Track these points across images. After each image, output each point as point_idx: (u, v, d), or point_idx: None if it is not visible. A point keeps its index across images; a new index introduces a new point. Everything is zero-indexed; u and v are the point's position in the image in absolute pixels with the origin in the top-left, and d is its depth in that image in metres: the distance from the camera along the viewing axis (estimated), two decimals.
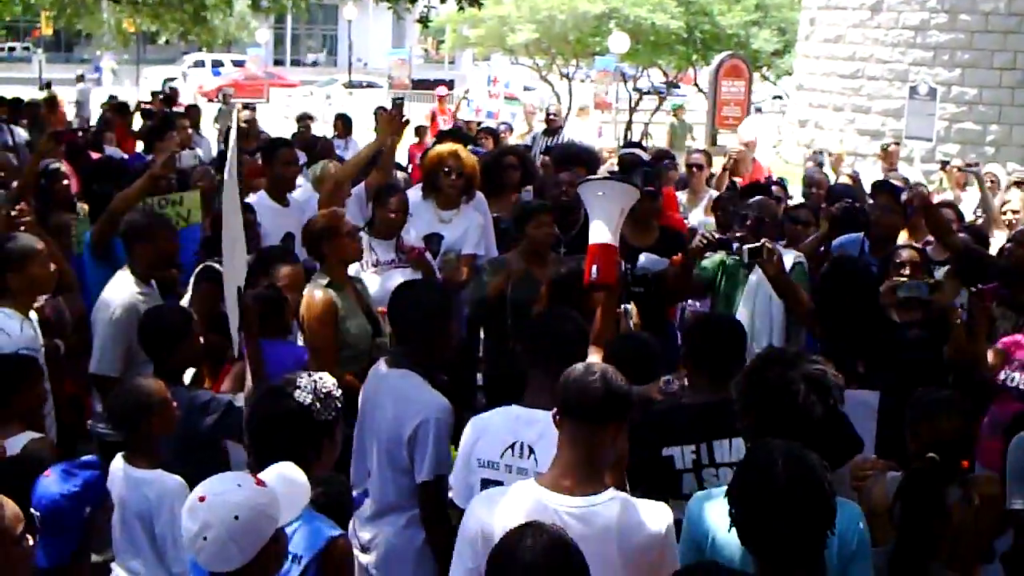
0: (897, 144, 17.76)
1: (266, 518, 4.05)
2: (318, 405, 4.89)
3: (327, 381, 5.05)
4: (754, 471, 4.05)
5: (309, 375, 5.04)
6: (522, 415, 5.47)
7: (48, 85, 25.54)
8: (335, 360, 7.36)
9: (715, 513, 4.53)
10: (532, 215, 8.52)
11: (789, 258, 8.41)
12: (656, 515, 4.70)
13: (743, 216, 8.82)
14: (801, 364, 4.89)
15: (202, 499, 4.03)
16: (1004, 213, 11.64)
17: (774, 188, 11.89)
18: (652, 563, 4.66)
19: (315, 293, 7.63)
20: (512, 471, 5.35)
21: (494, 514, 4.70)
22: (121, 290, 7.68)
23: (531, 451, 5.33)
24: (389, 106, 10.62)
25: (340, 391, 5.10)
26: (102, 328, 7.57)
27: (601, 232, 6.53)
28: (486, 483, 5.39)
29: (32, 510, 4.63)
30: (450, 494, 5.65)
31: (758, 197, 9.47)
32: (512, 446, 5.39)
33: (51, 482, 4.69)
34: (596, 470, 4.70)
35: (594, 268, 6.46)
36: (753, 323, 8.22)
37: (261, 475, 4.28)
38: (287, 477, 4.36)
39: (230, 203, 6.26)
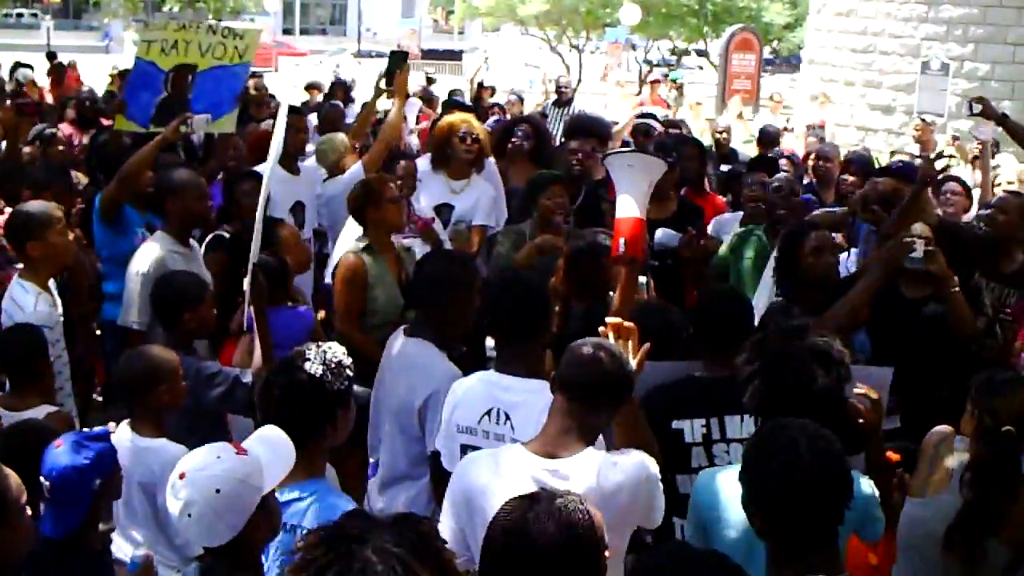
0: (930, 124, 17.55)
1: (249, 488, 3.97)
2: (330, 376, 4.83)
3: (336, 351, 4.99)
4: (774, 450, 3.95)
5: (318, 346, 4.99)
6: (498, 381, 5.49)
7: (52, 55, 25.35)
8: (355, 324, 7.36)
9: (725, 490, 4.50)
10: (545, 186, 8.45)
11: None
12: (637, 465, 4.65)
13: (776, 188, 8.74)
14: (806, 337, 4.85)
15: (182, 476, 3.97)
16: (997, 184, 11.45)
17: (782, 162, 11.79)
18: (638, 513, 4.66)
19: (347, 256, 7.61)
20: (489, 436, 5.37)
21: (479, 476, 4.72)
22: (155, 247, 7.71)
23: (507, 417, 5.34)
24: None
25: (350, 359, 5.05)
26: (132, 282, 7.60)
27: (629, 205, 6.48)
28: (465, 448, 5.43)
29: (42, 479, 4.61)
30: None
31: (782, 174, 9.37)
32: (489, 412, 5.40)
33: (61, 452, 4.64)
34: (583, 440, 4.66)
35: (622, 241, 6.41)
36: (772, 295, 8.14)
37: (243, 442, 4.22)
38: (270, 440, 4.28)
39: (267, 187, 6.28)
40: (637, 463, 4.66)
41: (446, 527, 4.83)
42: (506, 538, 3.73)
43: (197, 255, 8.00)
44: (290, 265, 7.48)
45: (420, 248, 8.44)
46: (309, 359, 4.86)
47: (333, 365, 4.88)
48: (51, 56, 25.20)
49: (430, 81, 24.01)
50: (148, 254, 7.64)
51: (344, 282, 7.54)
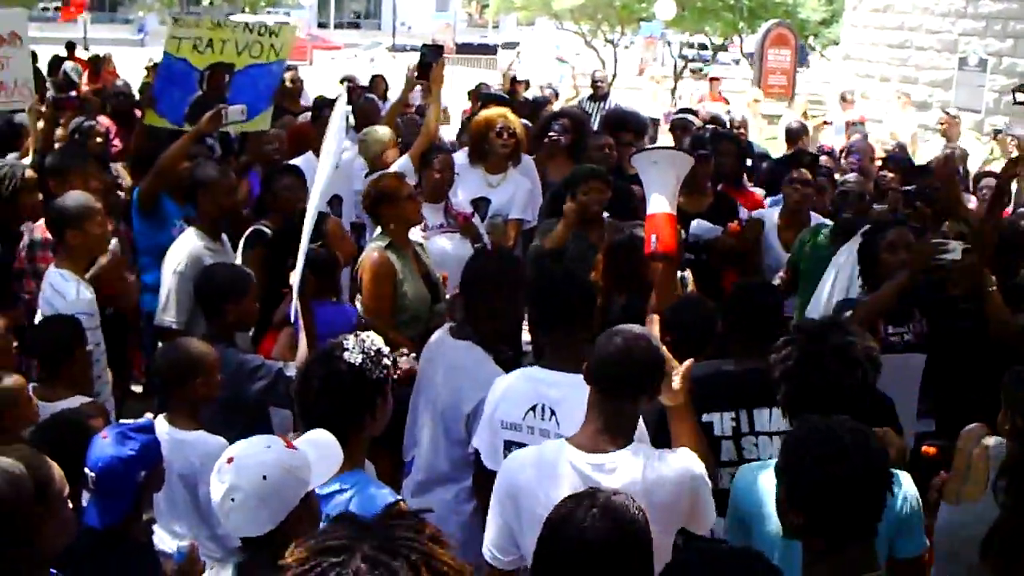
0: (955, 118, 17.50)
1: (296, 480, 3.98)
2: (370, 364, 4.83)
3: (375, 339, 5.00)
4: (814, 443, 3.93)
5: (356, 335, 4.99)
6: (544, 377, 5.48)
7: (72, 47, 25.32)
8: (390, 322, 7.34)
9: (765, 486, 4.48)
10: (585, 180, 8.42)
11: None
12: (683, 463, 4.67)
13: (844, 193, 8.68)
14: (833, 336, 4.84)
15: (230, 460, 3.99)
16: None
17: (823, 159, 11.75)
18: (683, 512, 4.65)
19: (372, 254, 7.60)
20: (534, 432, 5.37)
21: (524, 474, 4.74)
22: (187, 244, 7.70)
23: (552, 413, 5.34)
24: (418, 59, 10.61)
25: (388, 350, 5.04)
26: (167, 280, 7.58)
27: (659, 201, 6.48)
28: (509, 444, 5.44)
29: (87, 470, 4.62)
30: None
31: (854, 174, 9.31)
32: (534, 408, 5.40)
33: (107, 444, 4.66)
34: (625, 432, 4.69)
35: (653, 238, 6.41)
36: (831, 302, 8.09)
37: (293, 440, 4.23)
38: (319, 441, 4.29)
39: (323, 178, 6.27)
40: (683, 461, 4.67)
41: (493, 527, 4.86)
42: (560, 537, 3.76)
43: (228, 250, 8.02)
44: (340, 259, 7.48)
45: (458, 243, 8.44)
46: (348, 349, 4.86)
47: (372, 353, 4.88)
48: (70, 47, 25.17)
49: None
50: (181, 251, 7.65)
51: (374, 279, 7.51)
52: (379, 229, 7.87)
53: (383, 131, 10.34)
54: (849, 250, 8.08)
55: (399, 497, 4.85)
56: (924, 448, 6.20)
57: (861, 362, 4.74)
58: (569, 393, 5.17)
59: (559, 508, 3.85)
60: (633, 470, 4.55)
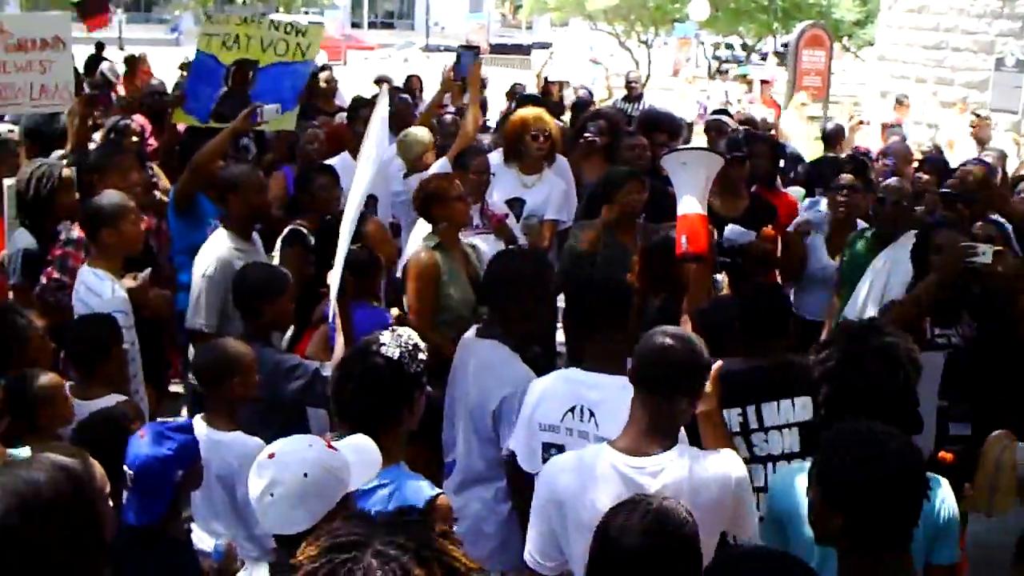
0: (985, 119, 17.42)
1: (335, 480, 3.99)
2: (407, 358, 4.85)
3: (411, 334, 5.02)
4: (851, 445, 3.92)
5: (392, 330, 5.01)
6: (583, 379, 5.46)
7: (101, 47, 25.33)
8: (430, 322, 7.35)
9: (802, 489, 4.46)
10: (623, 182, 8.40)
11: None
12: (726, 465, 4.65)
13: (880, 199, 8.63)
14: (874, 337, 4.82)
15: (271, 456, 4.00)
16: None
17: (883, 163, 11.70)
18: (727, 515, 4.62)
19: (420, 253, 7.61)
20: (573, 434, 5.35)
21: (567, 480, 4.70)
22: (217, 246, 7.67)
23: (591, 414, 5.32)
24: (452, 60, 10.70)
25: (424, 345, 5.06)
26: (197, 284, 7.56)
27: (689, 202, 6.47)
28: (547, 446, 5.44)
29: (125, 468, 4.65)
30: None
31: (892, 179, 9.25)
32: (572, 409, 5.38)
33: (145, 443, 4.69)
34: (668, 434, 4.66)
35: (684, 239, 6.39)
36: (866, 305, 8.06)
37: (334, 443, 4.23)
38: (359, 445, 4.30)
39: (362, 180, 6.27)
40: (726, 463, 4.65)
41: (535, 533, 4.85)
42: (612, 545, 3.77)
43: (259, 250, 8.01)
44: (380, 261, 7.48)
45: (492, 244, 8.44)
46: (385, 344, 4.88)
47: (410, 347, 4.90)
48: (99, 47, 25.21)
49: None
50: (211, 254, 7.62)
51: (418, 280, 7.52)
52: (418, 229, 7.88)
53: (423, 132, 10.35)
54: (886, 256, 8.06)
55: (439, 490, 4.85)
56: (941, 454, 6.19)
57: (903, 364, 4.72)
58: (608, 395, 5.18)
59: (611, 515, 3.86)
60: (678, 472, 4.53)
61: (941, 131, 20.57)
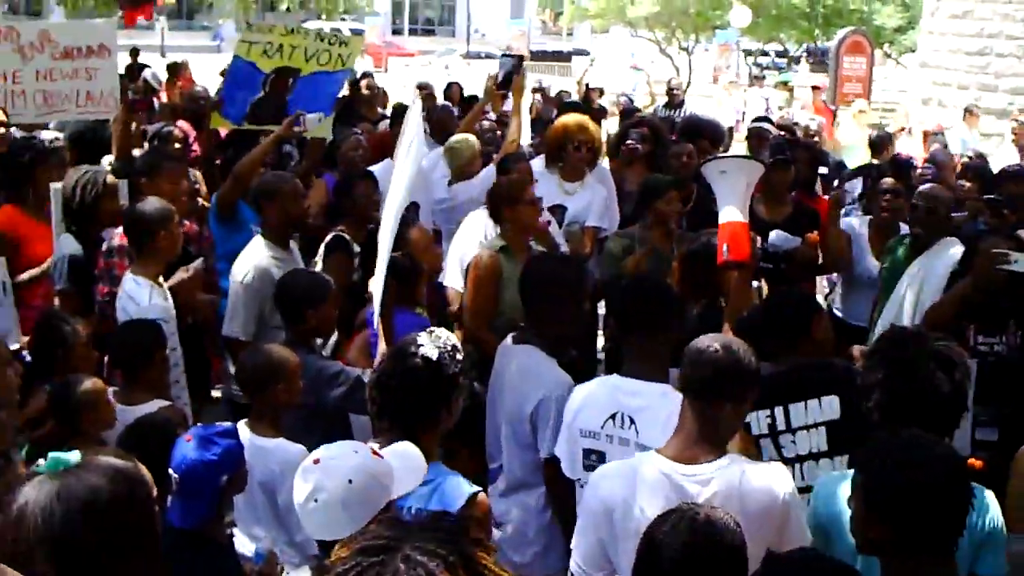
0: None
1: (380, 487, 4.01)
2: (446, 358, 4.87)
3: (448, 335, 5.06)
4: (894, 451, 3.92)
5: (430, 332, 5.04)
6: (623, 385, 5.47)
7: (136, 52, 25.41)
8: (484, 323, 7.39)
9: (845, 497, 4.45)
10: (662, 190, 8.40)
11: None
12: (777, 479, 4.63)
13: (915, 205, 8.61)
14: (927, 342, 4.81)
15: (317, 461, 4.02)
16: None
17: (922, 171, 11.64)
18: (776, 528, 4.58)
19: (483, 254, 7.64)
20: (613, 441, 5.37)
21: (617, 488, 4.70)
22: (254, 255, 7.67)
23: (632, 421, 5.33)
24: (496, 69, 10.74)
25: (461, 345, 5.08)
26: (235, 291, 7.58)
27: (730, 210, 6.46)
28: (588, 453, 5.46)
29: (171, 472, 4.68)
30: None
31: (929, 185, 9.22)
32: (613, 416, 5.39)
33: (190, 447, 4.71)
34: (716, 442, 4.66)
35: (725, 247, 6.39)
36: (901, 309, 8.03)
37: (378, 450, 4.25)
38: (404, 452, 4.32)
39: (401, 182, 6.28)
40: (776, 478, 4.64)
41: (582, 543, 4.85)
42: (658, 554, 3.78)
43: (296, 258, 8.00)
44: (423, 268, 7.49)
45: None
46: (422, 344, 4.90)
47: (448, 348, 4.92)
48: (134, 53, 25.32)
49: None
50: (248, 262, 7.63)
51: (477, 278, 7.58)
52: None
53: (472, 140, 10.37)
54: (920, 263, 8.04)
55: (478, 488, 4.86)
56: (970, 460, 6.16)
57: (959, 368, 4.71)
58: (650, 402, 5.20)
59: (657, 524, 3.87)
60: (728, 481, 4.53)
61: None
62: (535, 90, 21.00)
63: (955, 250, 7.97)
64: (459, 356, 4.97)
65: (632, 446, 5.17)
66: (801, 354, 5.75)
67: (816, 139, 14.90)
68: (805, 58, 47.40)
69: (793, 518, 4.61)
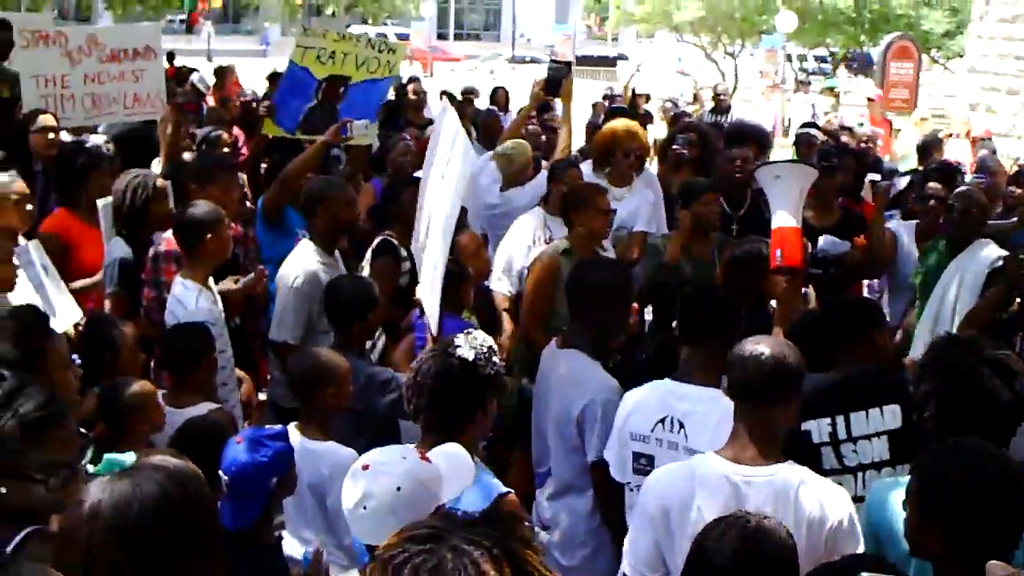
0: None
1: (428, 493, 4.01)
2: (482, 359, 4.89)
3: (484, 337, 5.07)
4: (952, 457, 3.91)
5: (467, 333, 5.06)
6: (674, 389, 5.49)
7: (172, 56, 25.49)
8: (539, 324, 7.41)
9: (898, 504, 4.43)
10: (699, 193, 8.40)
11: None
12: (837, 498, 4.62)
13: (949, 207, 8.56)
14: (983, 349, 4.79)
15: (366, 467, 4.02)
16: None
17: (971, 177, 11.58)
18: (828, 537, 4.54)
19: (545, 255, 7.68)
20: (663, 445, 5.40)
21: (676, 489, 4.71)
22: (303, 259, 7.71)
23: (681, 425, 5.36)
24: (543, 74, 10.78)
25: (497, 347, 5.11)
26: (283, 295, 7.61)
27: (783, 215, 6.45)
28: (637, 456, 5.49)
29: (221, 473, 4.70)
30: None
31: (963, 187, 9.18)
32: (663, 420, 5.43)
33: (240, 449, 4.75)
34: (771, 444, 4.67)
35: (778, 252, 6.38)
36: (940, 312, 8.00)
37: (427, 453, 4.26)
38: (452, 455, 4.32)
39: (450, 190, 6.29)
40: (834, 493, 4.64)
41: (637, 543, 4.86)
42: (709, 561, 3.77)
43: (340, 265, 8.02)
44: (469, 273, 7.51)
45: None
46: (459, 345, 4.92)
47: (484, 350, 4.93)
48: (170, 57, 25.44)
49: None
50: (297, 266, 7.67)
51: (536, 280, 7.65)
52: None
53: (526, 146, 10.39)
54: (956, 265, 8.02)
55: (508, 489, 4.88)
56: None
57: (1017, 374, 4.68)
58: (699, 407, 5.23)
59: (706, 531, 3.88)
60: (786, 486, 4.54)
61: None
62: (605, 97, 21.02)
63: (988, 251, 7.96)
64: (495, 358, 5.00)
65: (681, 450, 5.20)
66: (857, 359, 5.73)
67: (869, 144, 14.87)
68: (844, 63, 47.22)
69: (846, 535, 4.56)
